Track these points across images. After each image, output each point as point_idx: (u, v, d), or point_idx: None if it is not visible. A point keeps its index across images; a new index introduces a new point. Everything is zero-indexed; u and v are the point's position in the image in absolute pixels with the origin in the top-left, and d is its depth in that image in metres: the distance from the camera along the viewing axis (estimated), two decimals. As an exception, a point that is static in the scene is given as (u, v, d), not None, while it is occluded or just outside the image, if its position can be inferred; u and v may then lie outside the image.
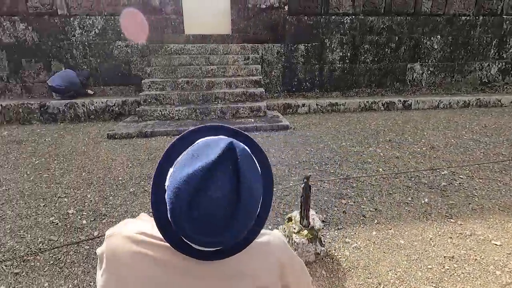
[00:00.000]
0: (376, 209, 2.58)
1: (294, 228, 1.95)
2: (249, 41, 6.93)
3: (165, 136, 4.58)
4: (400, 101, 6.20)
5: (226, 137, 0.59)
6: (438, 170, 3.30)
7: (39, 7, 5.74)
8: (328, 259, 1.99)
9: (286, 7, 6.62)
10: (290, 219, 2.06)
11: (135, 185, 3.01)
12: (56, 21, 5.76)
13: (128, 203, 2.68)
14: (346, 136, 4.53)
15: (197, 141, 0.57)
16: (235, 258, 0.62)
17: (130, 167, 3.45)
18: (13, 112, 5.33)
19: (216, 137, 0.58)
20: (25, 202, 2.70)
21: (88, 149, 4.03)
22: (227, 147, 0.51)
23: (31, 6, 5.71)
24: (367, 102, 6.14)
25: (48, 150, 4.03)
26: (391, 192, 2.86)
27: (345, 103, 6.09)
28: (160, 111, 5.15)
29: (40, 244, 2.15)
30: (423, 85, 6.95)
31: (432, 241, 2.17)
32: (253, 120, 5.10)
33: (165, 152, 0.60)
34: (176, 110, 5.18)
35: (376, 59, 6.67)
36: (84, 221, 2.41)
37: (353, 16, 6.41)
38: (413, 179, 3.12)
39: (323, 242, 2.00)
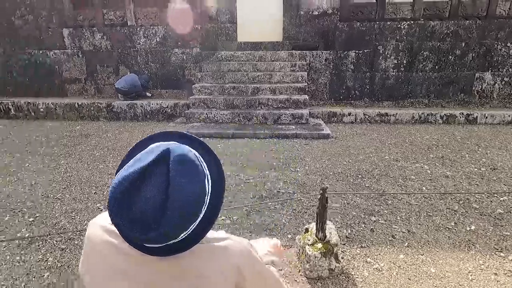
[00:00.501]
0: (409, 230, 2.37)
1: (309, 240, 1.91)
2: (299, 48, 6.93)
3: (207, 138, 4.82)
4: (462, 114, 5.56)
5: (176, 143, 0.64)
6: (496, 195, 2.89)
7: (113, 19, 6.57)
8: (343, 277, 1.90)
9: (338, 14, 6.46)
10: (307, 230, 2.02)
11: (172, 182, 3.25)
12: (125, 31, 6.52)
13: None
14: (392, 149, 4.23)
15: (150, 146, 0.63)
16: (190, 258, 0.67)
17: (171, 165, 3.72)
18: (86, 110, 6.17)
19: (165, 142, 0.63)
20: (81, 188, 3.11)
21: (140, 146, 4.46)
22: (162, 152, 0.56)
23: (107, 18, 6.56)
24: (422, 113, 5.64)
25: (107, 144, 4.57)
26: (431, 214, 2.60)
27: (396, 113, 5.68)
28: (206, 114, 5.45)
29: (85, 226, 2.46)
30: (495, 97, 6.11)
31: (471, 275, 1.92)
32: (294, 127, 5.08)
33: (126, 155, 0.67)
34: (221, 114, 5.43)
35: (436, 67, 6.09)
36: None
37: (412, 21, 5.96)
38: (461, 202, 2.78)
39: (339, 259, 1.92)
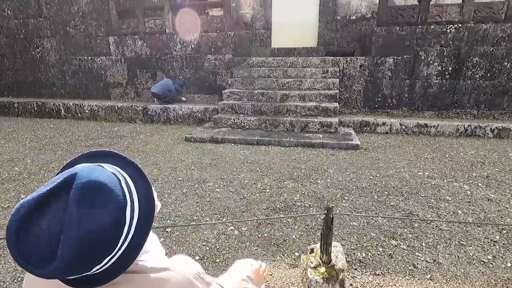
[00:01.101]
0: (434, 260, 2.10)
1: (312, 262, 1.77)
2: (333, 54, 6.70)
3: (232, 144, 4.84)
4: (518, 128, 4.90)
5: (100, 164, 0.60)
6: (550, 227, 2.46)
7: (153, 27, 6.95)
8: (349, 306, 1.73)
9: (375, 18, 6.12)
10: (312, 251, 1.89)
11: (189, 186, 3.29)
12: (163, 38, 6.84)
13: (177, 202, 2.95)
14: (427, 164, 3.85)
15: (75, 166, 0.59)
16: (116, 285, 0.62)
17: (192, 169, 3.78)
18: (124, 112, 6.57)
19: (81, 165, 0.58)
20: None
21: (167, 149, 4.61)
22: (66, 178, 0.52)
23: (148, 26, 6.95)
24: (469, 126, 5.09)
25: (138, 146, 4.80)
26: (464, 243, 2.28)
27: (438, 125, 5.19)
28: (233, 119, 5.48)
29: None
30: (561, 109, 5.31)
31: (506, 322, 1.63)
32: (321, 136, 4.88)
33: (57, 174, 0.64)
34: (248, 120, 5.42)
35: (488, 74, 5.47)
36: (139, 212, 2.77)
37: (460, 24, 5.43)
38: (504, 232, 2.41)
39: (346, 286, 1.75)
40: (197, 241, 2.33)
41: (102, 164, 0.60)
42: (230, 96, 5.98)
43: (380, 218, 2.61)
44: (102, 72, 7.37)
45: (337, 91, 5.67)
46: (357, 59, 6.02)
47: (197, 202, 2.94)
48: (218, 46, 6.62)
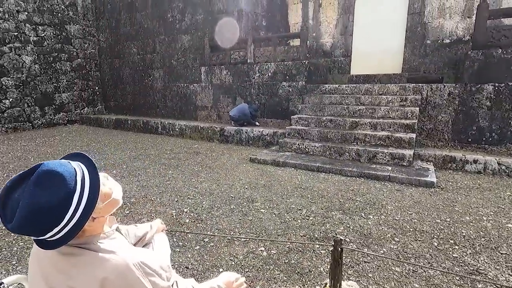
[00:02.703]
0: (492, 334, 1.67)
1: (320, 296, 1.67)
2: (416, 81, 6.14)
3: (292, 168, 4.87)
4: None
5: (68, 160, 0.82)
6: None
7: (237, 58, 7.77)
8: None
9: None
10: (325, 285, 1.78)
11: (238, 204, 3.48)
12: (244, 67, 7.55)
13: (222, 216, 3.16)
14: (524, 216, 3.07)
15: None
16: (77, 259, 0.82)
17: (246, 188, 3.99)
18: (205, 132, 7.41)
19: (57, 160, 0.81)
20: (170, 195, 3.77)
21: (231, 167, 4.98)
22: (34, 166, 0.75)
23: (233, 58, 7.82)
24: None
25: (208, 162, 5.33)
26: (547, 323, 1.74)
27: (556, 169, 4.07)
28: (298, 144, 5.53)
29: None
30: None
31: None
32: (389, 169, 4.45)
33: None
34: (312, 146, 5.38)
35: None
36: (187, 220, 3.10)
37: None
38: None
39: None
40: (226, 254, 2.46)
41: (71, 161, 0.83)
42: (298, 122, 6.08)
43: (430, 269, 2.23)
44: (193, 96, 8.56)
45: (416, 121, 5.11)
46: (444, 86, 5.34)
47: (239, 219, 3.10)
48: (293, 74, 6.89)
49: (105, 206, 0.87)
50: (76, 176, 0.79)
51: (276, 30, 8.57)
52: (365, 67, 7.64)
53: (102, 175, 0.89)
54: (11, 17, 8.82)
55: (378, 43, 7.46)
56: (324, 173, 4.59)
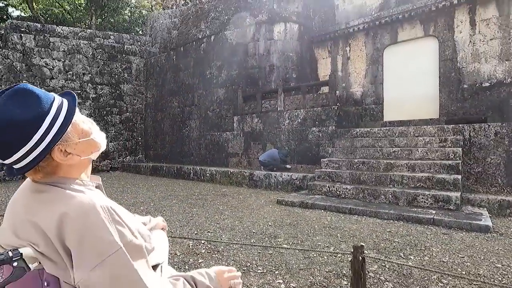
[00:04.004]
0: None
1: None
2: (455, 122, 5.79)
3: (322, 210, 4.54)
4: None
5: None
6: None
7: (267, 107, 8.09)
8: None
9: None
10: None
11: (259, 239, 3.22)
12: (274, 115, 7.78)
13: (241, 249, 2.92)
14: None
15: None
16: (37, 194, 0.77)
17: (270, 225, 3.73)
18: (235, 177, 7.40)
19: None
20: (190, 229, 3.64)
21: (256, 207, 4.78)
22: (14, 85, 0.76)
23: (264, 107, 8.15)
24: None
25: (234, 202, 5.19)
26: None
27: None
28: (328, 187, 5.24)
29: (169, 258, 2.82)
30: None
31: None
32: (433, 212, 3.94)
33: None
34: (344, 188, 5.05)
35: None
36: (203, 250, 2.90)
37: None
38: None
39: None
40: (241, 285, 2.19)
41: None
42: (328, 165, 5.86)
43: (495, 317, 1.75)
44: (225, 144, 8.83)
45: (459, 161, 4.65)
46: (489, 125, 4.94)
47: (258, 253, 2.83)
48: (322, 119, 6.91)
49: (82, 143, 0.83)
50: (53, 102, 0.78)
51: (306, 82, 8.95)
52: (399, 113, 7.46)
53: (88, 120, 0.89)
54: (77, 78, 10.37)
55: (410, 90, 7.37)
56: (356, 215, 4.19)
